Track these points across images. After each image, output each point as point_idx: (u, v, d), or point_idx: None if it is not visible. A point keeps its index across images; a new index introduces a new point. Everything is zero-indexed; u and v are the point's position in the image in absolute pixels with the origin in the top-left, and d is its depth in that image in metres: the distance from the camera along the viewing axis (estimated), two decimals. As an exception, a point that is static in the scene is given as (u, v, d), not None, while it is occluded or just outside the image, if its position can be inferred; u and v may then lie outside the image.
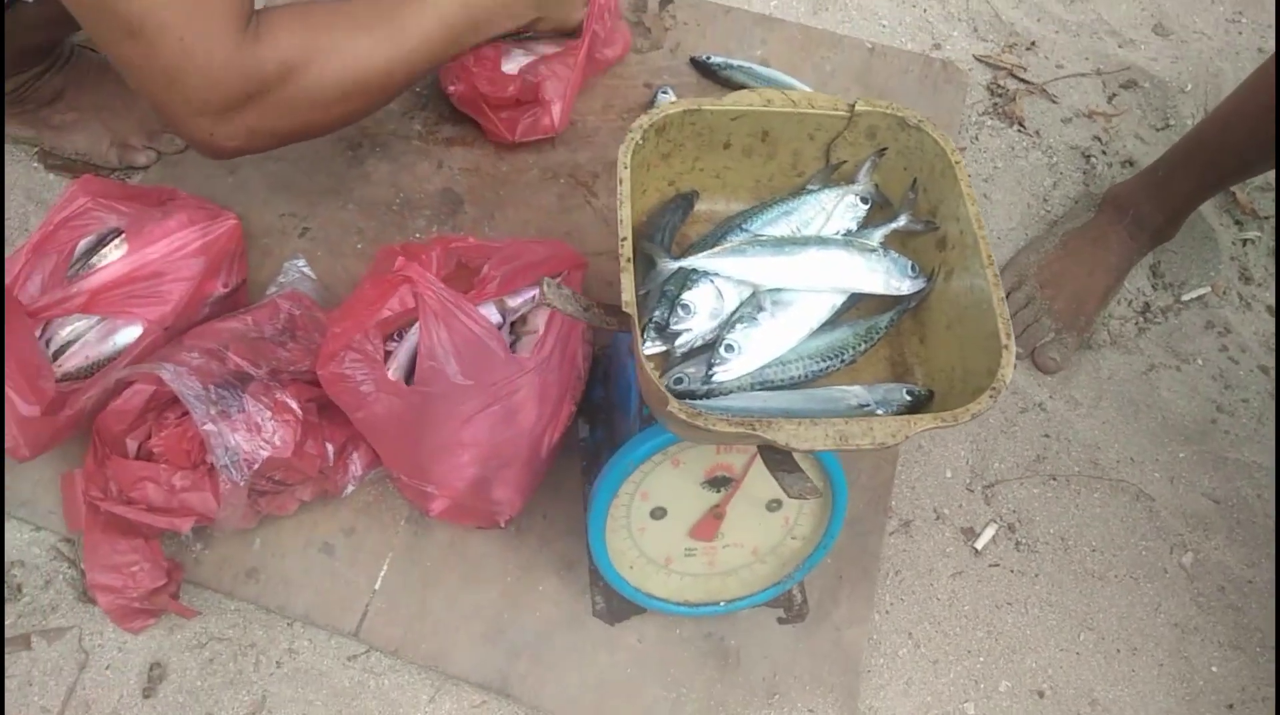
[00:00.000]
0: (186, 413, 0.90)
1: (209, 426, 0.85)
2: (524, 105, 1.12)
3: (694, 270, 0.71)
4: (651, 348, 0.70)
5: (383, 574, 0.95)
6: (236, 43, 0.80)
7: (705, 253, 0.72)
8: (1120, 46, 1.41)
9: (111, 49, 0.79)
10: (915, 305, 0.76)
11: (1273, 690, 1.01)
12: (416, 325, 0.89)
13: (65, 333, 0.95)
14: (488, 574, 0.96)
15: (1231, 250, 1.27)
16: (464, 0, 0.95)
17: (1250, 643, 1.03)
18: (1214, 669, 1.01)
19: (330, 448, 0.91)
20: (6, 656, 0.90)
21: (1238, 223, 1.30)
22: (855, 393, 0.72)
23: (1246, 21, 1.44)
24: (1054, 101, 1.35)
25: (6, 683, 0.89)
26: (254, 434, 0.86)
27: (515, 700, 0.92)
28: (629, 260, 0.63)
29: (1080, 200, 1.25)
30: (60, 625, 0.92)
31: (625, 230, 0.63)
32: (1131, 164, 1.30)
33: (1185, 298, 1.23)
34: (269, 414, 0.87)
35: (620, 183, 0.64)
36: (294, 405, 0.88)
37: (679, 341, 0.70)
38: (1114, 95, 1.36)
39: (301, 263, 1.07)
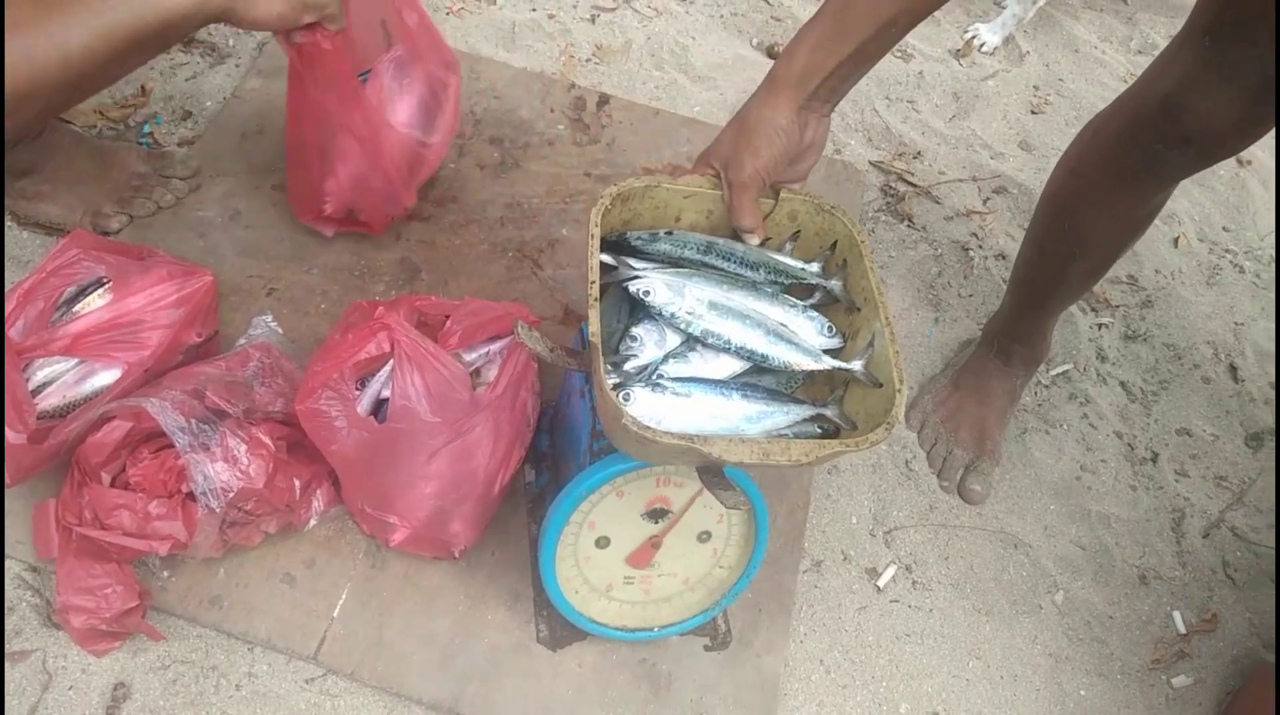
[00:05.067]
0: (162, 447, 0.97)
1: (190, 456, 0.92)
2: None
3: (645, 307, 0.81)
4: (610, 378, 0.81)
5: (341, 602, 1.02)
6: None
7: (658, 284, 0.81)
8: (992, 158, 1.64)
9: None
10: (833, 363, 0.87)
11: (1129, 712, 1.15)
12: (381, 370, 0.99)
13: (42, 374, 1.01)
14: (441, 605, 1.04)
15: (1089, 333, 1.47)
16: None
17: (1113, 670, 1.17)
18: (1082, 693, 1.15)
19: (297, 483, 0.99)
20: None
21: (1093, 310, 1.50)
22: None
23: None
24: (938, 202, 1.55)
25: (-30, 704, 0.92)
26: (230, 465, 0.94)
27: (464, 721, 0.99)
28: (596, 300, 0.75)
29: (960, 323, 1.41)
30: (24, 648, 0.95)
31: (594, 275, 0.75)
32: (1003, 257, 1.51)
33: (1052, 373, 1.42)
34: (244, 448, 0.95)
35: (591, 238, 0.77)
36: (267, 440, 0.96)
37: (627, 365, 0.80)
38: (987, 198, 1.58)
39: (269, 318, 1.15)
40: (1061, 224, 1.11)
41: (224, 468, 0.93)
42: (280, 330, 1.16)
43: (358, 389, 1.01)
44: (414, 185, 1.22)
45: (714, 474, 0.80)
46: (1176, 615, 1.22)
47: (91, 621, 0.93)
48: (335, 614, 1.01)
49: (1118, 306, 1.52)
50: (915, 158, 1.61)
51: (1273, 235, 1.66)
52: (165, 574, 1.00)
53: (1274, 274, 1.61)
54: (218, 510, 0.92)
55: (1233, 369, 1.49)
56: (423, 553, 1.04)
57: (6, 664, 0.94)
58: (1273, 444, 1.41)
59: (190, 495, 0.93)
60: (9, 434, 0.92)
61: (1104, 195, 1.04)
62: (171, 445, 0.94)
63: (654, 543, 0.96)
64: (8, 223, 1.24)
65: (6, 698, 0.93)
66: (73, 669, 0.95)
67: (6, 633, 0.97)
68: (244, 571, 1.02)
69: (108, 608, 0.93)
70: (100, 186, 1.21)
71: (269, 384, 1.05)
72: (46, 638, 0.96)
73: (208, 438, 0.94)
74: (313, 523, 1.04)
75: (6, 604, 0.98)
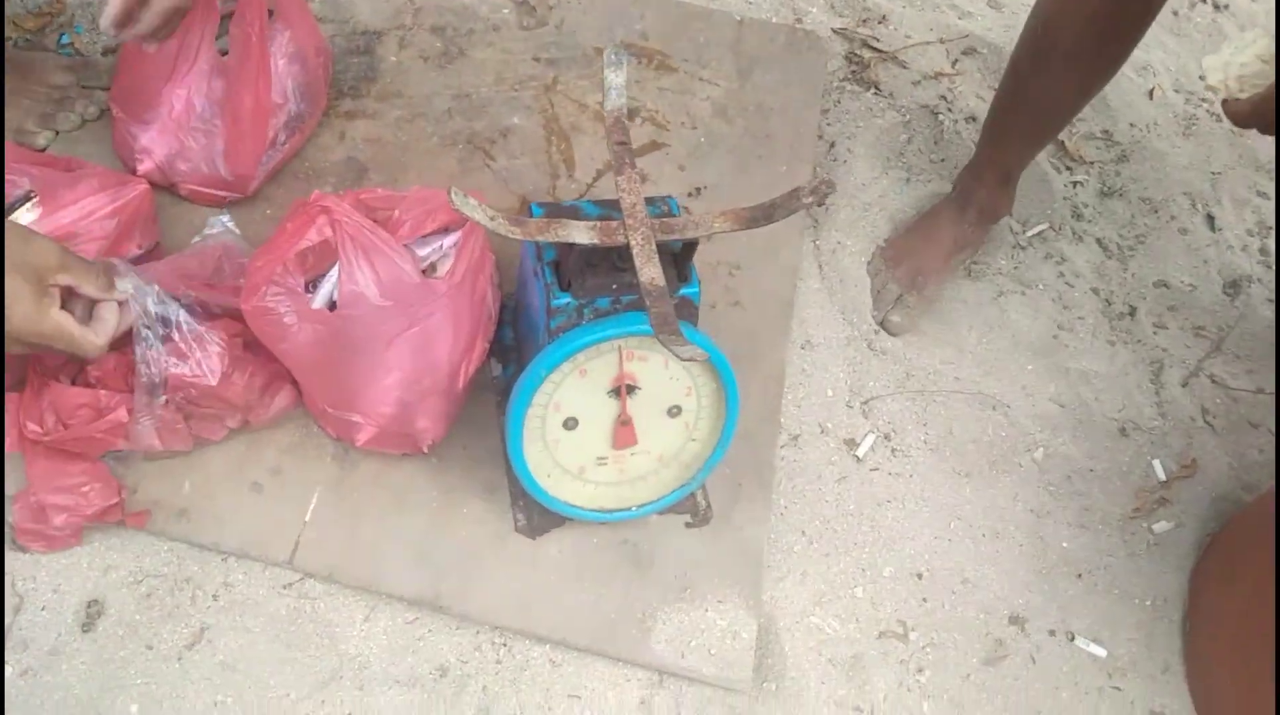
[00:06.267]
0: (125, 347, 0.94)
1: (143, 348, 0.89)
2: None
3: None
4: None
5: (312, 506, 1.01)
6: None
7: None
8: (960, 18, 1.58)
9: None
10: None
11: (1112, 559, 1.15)
12: (331, 271, 0.96)
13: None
14: (414, 501, 1.03)
15: (1064, 192, 1.44)
16: None
17: (1094, 521, 1.18)
18: (1064, 545, 1.16)
19: (256, 381, 0.96)
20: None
21: (1068, 168, 1.46)
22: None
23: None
24: (904, 67, 1.50)
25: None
26: (184, 361, 0.91)
27: (446, 612, 0.99)
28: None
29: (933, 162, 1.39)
30: (-9, 574, 0.94)
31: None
32: (973, 119, 1.46)
33: (1028, 234, 1.39)
34: (199, 344, 0.92)
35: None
36: (220, 336, 0.93)
37: None
38: (956, 60, 1.52)
39: (226, 218, 1.10)
40: (1033, 31, 1.08)
41: (177, 363, 0.91)
42: (238, 230, 1.11)
43: (309, 291, 0.98)
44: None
45: (669, 331, 0.78)
46: (1156, 463, 1.22)
47: (73, 520, 0.92)
48: (307, 518, 1.00)
49: (1092, 163, 1.48)
50: (880, 22, 1.54)
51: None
52: (129, 492, 0.97)
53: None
54: (160, 401, 0.90)
55: (1210, 218, 1.46)
56: (390, 450, 1.02)
57: (-24, 589, 0.93)
58: (1249, 290, 1.39)
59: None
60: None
61: None
62: (131, 346, 0.91)
63: (623, 420, 0.94)
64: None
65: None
66: (43, 589, 0.94)
67: (-27, 558, 0.95)
68: (210, 484, 1.00)
69: (88, 505, 0.93)
70: (19, 101, 1.16)
71: (227, 280, 1.01)
72: (12, 561, 0.95)
73: (166, 330, 0.91)
74: (271, 423, 1.01)
75: (-30, 530, 0.97)
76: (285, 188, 1.18)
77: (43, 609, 0.93)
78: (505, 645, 1.00)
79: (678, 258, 0.90)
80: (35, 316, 0.78)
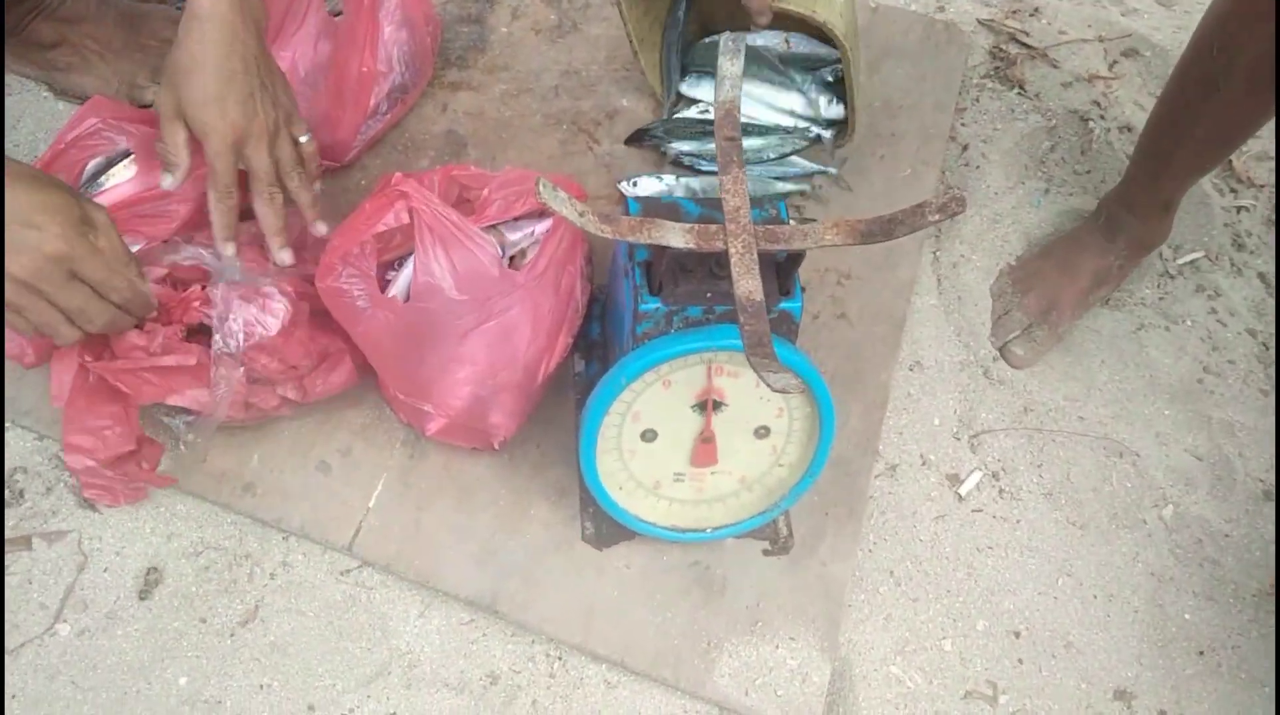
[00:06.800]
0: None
1: (215, 290, 0.86)
2: None
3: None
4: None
5: (377, 493, 0.97)
6: None
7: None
8: (1123, 15, 1.43)
9: None
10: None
11: (1242, 639, 1.03)
12: (413, 255, 0.91)
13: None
14: (480, 498, 0.98)
15: (1225, 217, 1.29)
16: None
17: (1224, 594, 1.05)
18: (1187, 616, 1.03)
19: (316, 345, 0.93)
20: (8, 556, 0.92)
21: (1233, 190, 1.31)
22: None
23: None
24: (1055, 66, 1.36)
25: (7, 580, 0.91)
26: (251, 306, 0.87)
27: (503, 618, 0.94)
28: None
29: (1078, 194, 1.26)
30: (60, 529, 0.94)
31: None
32: (1129, 129, 1.32)
33: (1179, 261, 1.25)
34: (264, 296, 0.88)
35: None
36: (289, 290, 0.89)
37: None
38: (1115, 62, 1.38)
39: (317, 186, 1.07)
40: (1208, 47, 0.95)
41: (246, 308, 0.87)
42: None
43: (395, 268, 0.94)
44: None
45: (763, 353, 0.70)
46: (1306, 536, 1.08)
47: (87, 462, 0.88)
48: (371, 504, 0.97)
49: (1262, 186, 1.32)
50: (1032, 15, 1.41)
51: None
52: (197, 461, 0.96)
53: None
54: (235, 352, 0.87)
55: (1396, 261, 1.28)
56: (460, 443, 0.97)
57: (45, 543, 0.93)
58: None
59: (191, 336, 0.88)
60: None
61: (1262, 2, 0.87)
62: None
63: (705, 437, 0.87)
64: (44, 94, 1.20)
65: (44, 576, 0.92)
66: (107, 551, 0.94)
67: (44, 512, 0.95)
68: (278, 458, 0.98)
69: (104, 448, 0.88)
70: (132, 56, 1.15)
71: (309, 250, 0.98)
72: (82, 519, 0.95)
73: (233, 276, 0.88)
74: (326, 395, 0.97)
75: (45, 484, 0.97)
76: (383, 158, 1.14)
77: (104, 571, 0.93)
78: (560, 659, 0.95)
79: (781, 268, 0.82)
80: (74, 236, 0.76)
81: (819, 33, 1.06)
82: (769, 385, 0.66)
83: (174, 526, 0.95)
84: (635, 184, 1.14)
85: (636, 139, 1.19)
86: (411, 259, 0.89)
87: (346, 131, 1.06)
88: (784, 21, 1.07)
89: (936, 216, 0.75)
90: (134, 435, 0.89)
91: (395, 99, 1.10)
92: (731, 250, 0.75)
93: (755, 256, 0.75)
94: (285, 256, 0.91)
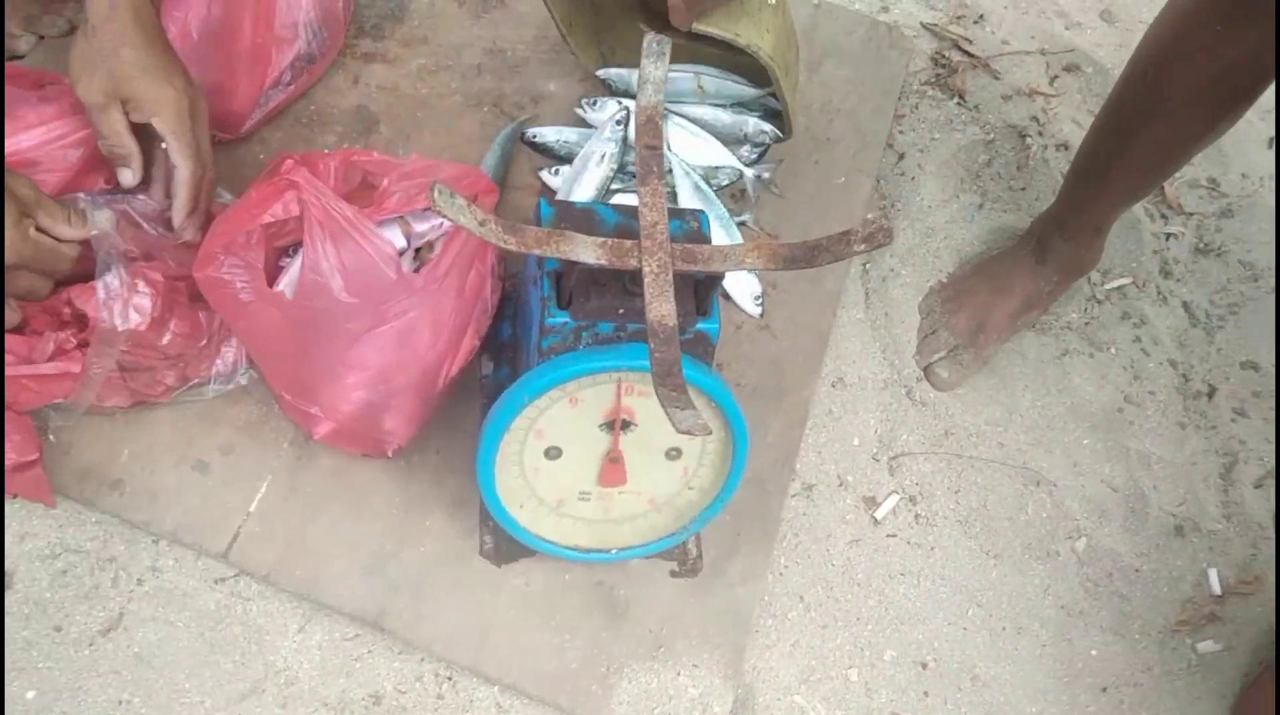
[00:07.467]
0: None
1: (104, 291, 0.79)
2: None
3: None
4: None
5: (260, 496, 0.90)
6: None
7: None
8: (1067, 28, 1.40)
9: None
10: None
11: (1145, 676, 1.02)
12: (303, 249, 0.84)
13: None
14: (373, 506, 0.92)
15: (1154, 244, 1.28)
16: None
17: (1131, 629, 1.04)
18: (1093, 653, 1.02)
19: (197, 335, 0.86)
20: None
21: (1163, 217, 1.30)
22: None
23: (1193, 20, 1.44)
24: (996, 77, 1.33)
25: None
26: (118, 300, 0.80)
27: (390, 634, 0.88)
28: None
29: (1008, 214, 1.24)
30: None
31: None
32: (1066, 147, 1.30)
33: (1107, 287, 1.23)
34: (131, 285, 0.81)
35: None
36: (157, 278, 0.82)
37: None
38: (1056, 77, 1.36)
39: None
40: (1144, 74, 0.92)
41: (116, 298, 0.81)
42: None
43: (285, 258, 0.87)
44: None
45: (671, 385, 0.65)
46: (1213, 573, 1.08)
47: None
48: (252, 509, 0.90)
49: (1192, 214, 1.31)
50: (976, 22, 1.38)
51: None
52: (62, 453, 0.88)
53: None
54: (117, 351, 0.80)
55: (1317, 297, 1.29)
56: (351, 449, 0.91)
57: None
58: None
59: (81, 345, 0.81)
60: None
61: (1203, 33, 0.85)
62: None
63: (612, 457, 0.82)
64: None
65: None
66: (-51, 551, 0.86)
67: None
68: (151, 455, 0.90)
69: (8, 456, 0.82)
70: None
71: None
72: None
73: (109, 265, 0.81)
74: (213, 386, 0.90)
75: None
76: (285, 131, 1.06)
77: (-56, 574, 0.85)
78: (450, 680, 0.90)
79: (700, 286, 0.77)
80: (17, 239, 0.77)
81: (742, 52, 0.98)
82: (674, 424, 0.61)
83: (29, 526, 0.87)
84: (536, 136, 1.10)
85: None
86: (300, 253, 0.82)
87: (242, 102, 0.97)
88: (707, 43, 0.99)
89: (861, 247, 0.71)
90: (35, 442, 0.84)
91: (300, 69, 1.02)
92: (646, 269, 0.69)
93: (670, 277, 0.70)
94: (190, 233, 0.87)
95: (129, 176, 0.85)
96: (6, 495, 0.87)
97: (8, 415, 0.83)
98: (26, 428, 0.84)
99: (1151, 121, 0.94)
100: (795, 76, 1.07)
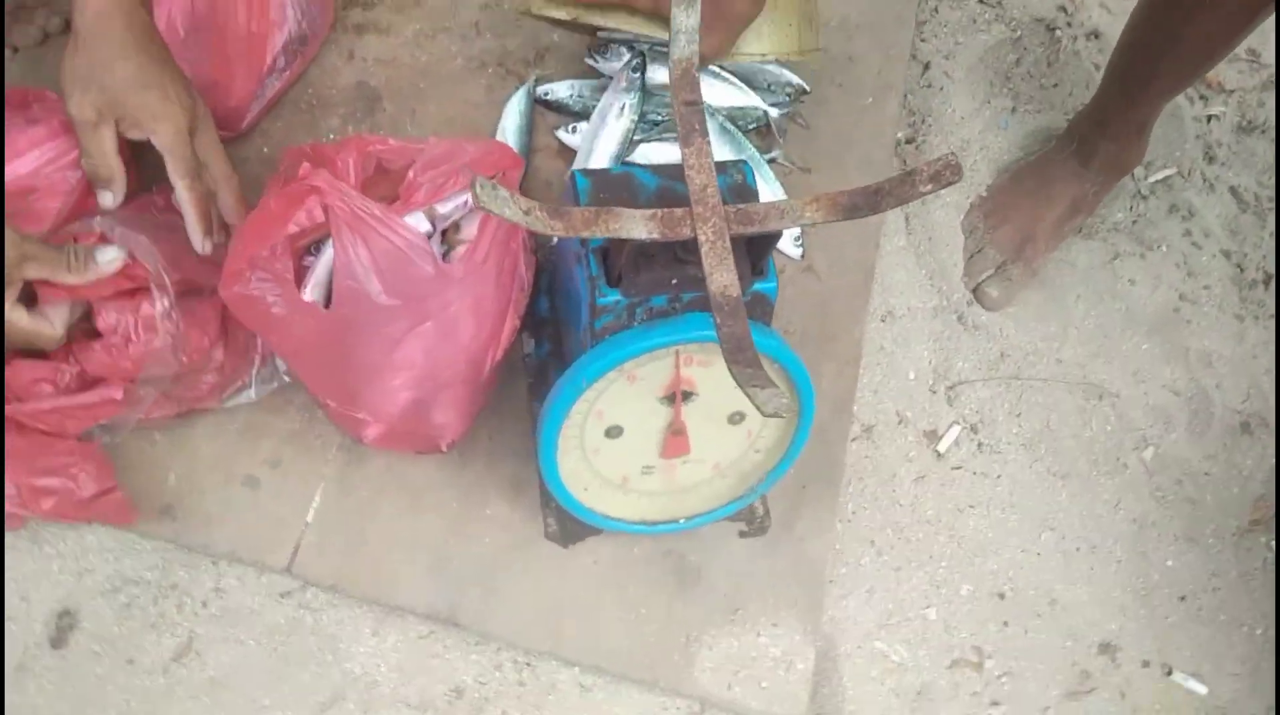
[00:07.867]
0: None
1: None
2: None
3: None
4: None
5: (315, 505, 0.88)
6: None
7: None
8: (1088, -92, 1.32)
9: None
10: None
11: (1221, 580, 1.01)
12: (326, 246, 0.80)
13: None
14: (430, 501, 0.89)
15: (1196, 128, 1.22)
16: None
17: (1204, 534, 1.03)
18: (1169, 563, 1.01)
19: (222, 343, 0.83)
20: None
21: (1203, 98, 1.24)
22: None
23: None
24: (1019, -30, 1.26)
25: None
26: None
27: (464, 629, 0.87)
28: None
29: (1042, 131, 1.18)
30: (-48, 578, 0.83)
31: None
32: (1097, 36, 1.23)
33: (1151, 179, 1.18)
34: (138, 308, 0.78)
35: None
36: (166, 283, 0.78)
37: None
38: (1081, -38, 1.28)
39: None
40: None
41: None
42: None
43: (308, 258, 0.82)
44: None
45: (745, 361, 0.61)
46: (1284, 469, 1.06)
47: (62, 507, 0.79)
48: (309, 519, 0.87)
49: (1233, 91, 1.25)
50: (990, -88, 1.29)
51: None
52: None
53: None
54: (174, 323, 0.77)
55: (1369, 167, 1.24)
56: (403, 450, 0.88)
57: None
58: None
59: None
60: None
61: None
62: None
63: (675, 430, 0.79)
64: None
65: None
66: (10, 597, 0.83)
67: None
68: (197, 476, 0.87)
69: (79, 490, 0.79)
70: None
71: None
72: (-26, 564, 0.84)
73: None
74: (250, 391, 0.87)
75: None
76: (285, 121, 0.99)
77: (10, 621, 0.83)
78: (530, 666, 0.89)
79: (753, 246, 0.73)
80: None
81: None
82: (758, 408, 0.58)
83: (85, 562, 0.85)
84: (548, 93, 1.03)
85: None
86: (329, 244, 0.77)
87: (240, 97, 0.91)
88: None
89: (929, 187, 0.66)
90: (109, 469, 0.81)
91: (294, 52, 0.95)
92: (701, 238, 0.65)
93: (728, 243, 0.65)
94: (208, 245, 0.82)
95: (109, 199, 0.80)
96: (88, 524, 0.85)
97: (77, 447, 0.80)
98: (96, 457, 0.81)
99: (1197, 12, 0.88)
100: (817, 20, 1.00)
